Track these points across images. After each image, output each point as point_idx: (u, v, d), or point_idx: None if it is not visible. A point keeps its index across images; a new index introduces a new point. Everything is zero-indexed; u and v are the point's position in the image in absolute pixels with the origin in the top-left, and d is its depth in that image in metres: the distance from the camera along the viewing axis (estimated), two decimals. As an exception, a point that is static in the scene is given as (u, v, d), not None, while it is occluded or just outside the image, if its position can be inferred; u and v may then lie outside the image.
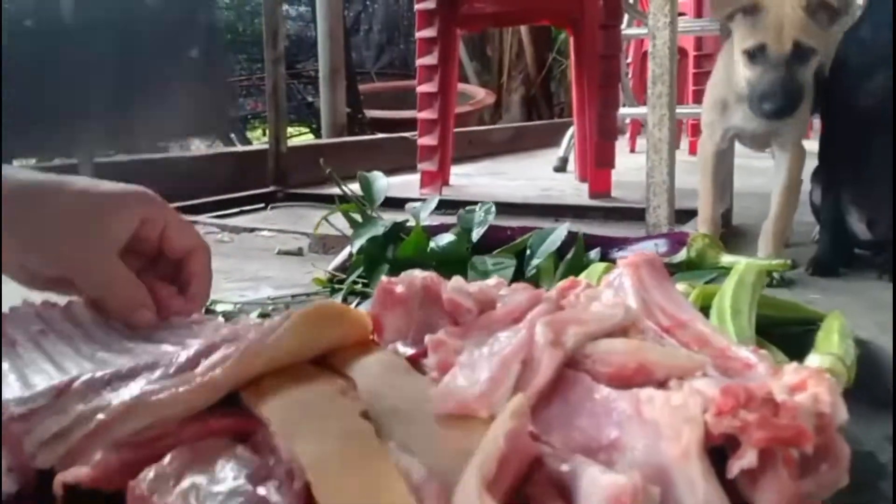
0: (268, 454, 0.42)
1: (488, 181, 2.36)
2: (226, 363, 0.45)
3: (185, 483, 0.40)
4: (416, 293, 0.50)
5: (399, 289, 0.51)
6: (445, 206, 0.91)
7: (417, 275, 0.51)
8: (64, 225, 0.56)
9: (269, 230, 1.45)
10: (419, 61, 2.04)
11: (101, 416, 0.42)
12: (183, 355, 0.47)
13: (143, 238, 0.60)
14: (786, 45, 0.99)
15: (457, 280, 0.49)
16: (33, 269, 0.58)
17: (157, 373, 0.46)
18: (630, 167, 2.11)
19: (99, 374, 0.46)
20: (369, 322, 0.51)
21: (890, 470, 0.44)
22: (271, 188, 2.00)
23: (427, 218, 0.85)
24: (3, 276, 0.60)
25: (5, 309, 0.56)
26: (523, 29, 4.70)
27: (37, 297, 0.58)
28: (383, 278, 0.51)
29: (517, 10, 2.25)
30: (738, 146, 1.31)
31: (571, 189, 2.10)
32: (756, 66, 1.01)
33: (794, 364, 0.40)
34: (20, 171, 0.57)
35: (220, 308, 0.80)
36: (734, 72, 1.06)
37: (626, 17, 2.42)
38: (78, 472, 0.41)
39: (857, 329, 0.64)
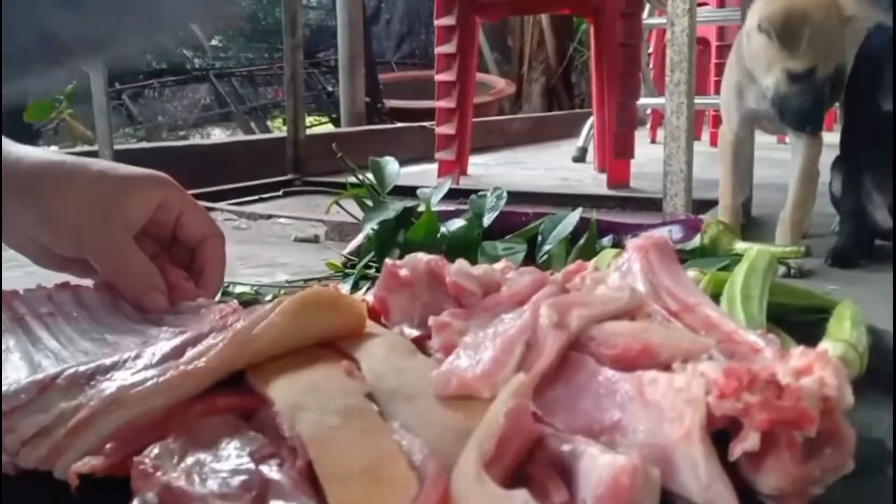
0: (272, 432, 0.42)
1: (506, 171, 2.35)
2: (210, 353, 0.44)
3: (189, 460, 0.40)
4: (420, 276, 0.50)
5: (404, 272, 0.51)
6: (462, 195, 0.91)
7: (422, 258, 0.51)
8: (81, 205, 0.56)
9: (287, 217, 1.45)
10: (438, 49, 2.03)
11: (82, 413, 0.41)
12: (168, 345, 0.46)
13: (158, 222, 0.60)
14: (831, 66, 0.98)
15: (461, 263, 0.49)
16: (48, 247, 0.58)
17: (141, 363, 0.45)
18: (650, 158, 2.09)
19: (82, 367, 0.44)
20: (363, 308, 0.51)
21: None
22: (289, 176, 2.00)
23: (439, 203, 0.85)
24: (22, 256, 0.61)
25: (20, 290, 0.56)
26: (544, 19, 4.67)
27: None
28: (388, 261, 0.51)
29: (537, -1, 2.24)
30: (757, 137, 1.29)
31: (590, 179, 2.09)
32: (797, 85, 0.98)
33: (801, 348, 0.40)
34: (40, 150, 0.58)
35: (238, 290, 0.80)
36: (757, 73, 1.04)
37: (647, 7, 2.40)
38: (92, 463, 0.40)
39: (873, 319, 0.63)
